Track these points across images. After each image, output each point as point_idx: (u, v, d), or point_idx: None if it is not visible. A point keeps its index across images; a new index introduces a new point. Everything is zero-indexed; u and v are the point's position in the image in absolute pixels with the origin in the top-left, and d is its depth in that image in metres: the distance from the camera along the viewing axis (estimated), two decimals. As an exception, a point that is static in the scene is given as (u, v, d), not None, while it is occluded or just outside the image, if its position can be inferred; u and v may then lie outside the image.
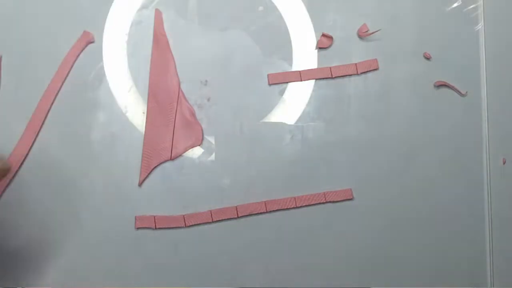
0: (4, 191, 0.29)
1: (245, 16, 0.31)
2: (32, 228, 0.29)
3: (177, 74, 0.31)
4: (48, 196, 0.30)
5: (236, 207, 0.30)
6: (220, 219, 0.30)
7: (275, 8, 0.31)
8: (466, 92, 0.32)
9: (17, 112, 0.30)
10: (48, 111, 0.30)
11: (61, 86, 0.30)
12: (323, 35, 0.31)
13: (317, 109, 0.31)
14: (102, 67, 0.31)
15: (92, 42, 0.30)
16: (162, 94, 0.30)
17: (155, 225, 0.30)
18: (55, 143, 0.30)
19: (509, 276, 0.31)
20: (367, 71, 0.31)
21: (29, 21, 0.31)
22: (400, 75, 0.31)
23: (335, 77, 0.31)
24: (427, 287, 0.30)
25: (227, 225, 0.30)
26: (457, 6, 0.32)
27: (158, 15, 0.31)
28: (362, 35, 0.31)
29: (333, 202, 0.30)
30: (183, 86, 0.31)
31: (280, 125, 0.31)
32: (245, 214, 0.30)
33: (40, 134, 0.30)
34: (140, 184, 0.30)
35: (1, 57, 0.30)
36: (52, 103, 0.30)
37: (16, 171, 0.29)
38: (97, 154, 0.30)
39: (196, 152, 0.30)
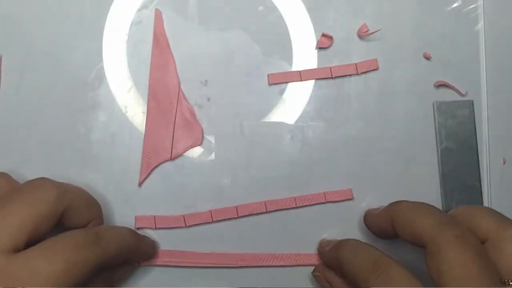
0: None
1: (245, 16, 0.31)
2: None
3: (177, 74, 0.31)
4: (48, 196, 0.30)
5: (236, 207, 0.30)
6: (220, 219, 0.30)
7: (275, 8, 0.31)
8: (466, 92, 0.32)
9: (17, 113, 0.30)
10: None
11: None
12: (323, 35, 0.31)
13: (317, 109, 0.31)
14: (102, 67, 0.31)
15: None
16: (162, 94, 0.30)
17: (155, 225, 0.30)
18: (55, 143, 0.30)
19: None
20: (367, 71, 0.31)
21: (29, 21, 0.31)
22: (400, 75, 0.31)
23: (335, 77, 0.31)
24: (428, 287, 0.30)
25: (227, 225, 0.30)
26: (457, 6, 0.32)
27: (158, 15, 0.31)
28: (362, 35, 0.31)
29: (333, 202, 0.30)
30: (183, 86, 0.31)
31: (280, 125, 0.31)
32: (245, 214, 0.30)
33: (40, 134, 0.30)
34: (140, 184, 0.30)
35: (1, 57, 0.30)
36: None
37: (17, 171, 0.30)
38: (97, 154, 0.30)
39: (196, 152, 0.30)
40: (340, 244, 0.27)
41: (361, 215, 0.30)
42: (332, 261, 0.27)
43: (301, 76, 0.31)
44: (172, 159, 0.30)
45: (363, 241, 0.28)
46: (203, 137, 0.30)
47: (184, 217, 0.30)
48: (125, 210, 0.30)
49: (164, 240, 0.30)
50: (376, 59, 0.31)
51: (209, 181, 0.30)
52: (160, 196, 0.30)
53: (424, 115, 0.31)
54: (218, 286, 0.30)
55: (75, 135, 0.30)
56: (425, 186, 0.31)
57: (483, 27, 0.32)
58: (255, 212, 0.30)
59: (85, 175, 0.30)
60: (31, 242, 0.21)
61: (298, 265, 0.30)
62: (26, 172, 0.30)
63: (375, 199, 0.31)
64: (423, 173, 0.31)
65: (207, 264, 0.29)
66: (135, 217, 0.30)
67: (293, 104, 0.31)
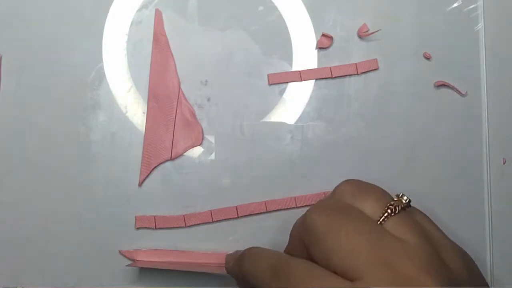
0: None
1: (245, 16, 0.31)
2: (32, 228, 0.29)
3: (177, 74, 0.31)
4: (48, 196, 0.30)
5: (236, 207, 0.30)
6: (220, 219, 0.30)
7: (275, 8, 0.31)
8: (466, 92, 0.32)
9: (17, 113, 0.30)
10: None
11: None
12: (323, 35, 0.31)
13: (317, 109, 0.31)
14: (102, 67, 0.31)
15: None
16: (162, 94, 0.30)
17: (155, 225, 0.30)
18: (55, 143, 0.30)
19: (509, 276, 0.31)
20: (367, 71, 0.31)
21: (29, 21, 0.31)
22: (400, 75, 0.31)
23: (335, 77, 0.31)
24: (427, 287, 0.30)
25: (227, 225, 0.30)
26: (457, 6, 0.32)
27: (158, 15, 0.31)
28: (362, 35, 0.31)
29: (333, 202, 0.30)
30: (183, 86, 0.31)
31: (280, 125, 0.31)
32: (245, 214, 0.30)
33: (40, 134, 0.30)
34: (140, 184, 0.30)
35: (1, 57, 0.30)
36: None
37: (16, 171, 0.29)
38: (97, 154, 0.30)
39: (196, 152, 0.30)
40: (241, 257, 0.25)
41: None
42: (238, 277, 0.25)
43: (301, 76, 0.31)
44: (172, 159, 0.30)
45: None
46: (203, 137, 0.30)
47: (184, 217, 0.30)
48: (125, 210, 0.30)
49: (164, 240, 0.30)
50: (376, 59, 0.31)
51: (209, 181, 0.30)
52: (160, 196, 0.30)
53: (424, 115, 0.31)
54: (218, 286, 0.30)
55: (75, 135, 0.30)
56: (425, 186, 0.31)
57: (483, 27, 0.32)
58: (255, 212, 0.30)
59: (85, 175, 0.30)
60: None
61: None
62: (26, 172, 0.30)
63: (375, 199, 0.31)
64: (423, 173, 0.31)
65: (207, 264, 0.29)
66: (135, 217, 0.30)
67: (293, 104, 0.31)
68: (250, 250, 0.25)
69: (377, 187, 0.24)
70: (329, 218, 0.21)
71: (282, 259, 0.22)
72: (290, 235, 0.24)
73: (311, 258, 0.21)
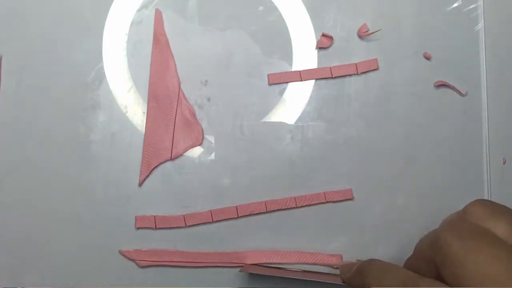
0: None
1: (245, 16, 0.31)
2: (32, 228, 0.29)
3: (177, 74, 0.31)
4: (48, 196, 0.30)
5: (236, 207, 0.30)
6: (220, 219, 0.30)
7: (275, 8, 0.31)
8: (466, 92, 0.32)
9: (17, 113, 0.30)
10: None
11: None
12: (323, 35, 0.31)
13: (317, 109, 0.31)
14: (102, 67, 0.31)
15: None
16: (162, 94, 0.30)
17: (155, 225, 0.30)
18: (55, 143, 0.30)
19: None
20: (367, 71, 0.31)
21: (29, 21, 0.31)
22: (400, 75, 0.31)
23: (335, 77, 0.31)
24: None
25: (227, 225, 0.30)
26: (457, 6, 0.32)
27: (158, 15, 0.31)
28: (362, 35, 0.31)
29: (333, 202, 0.30)
30: (183, 86, 0.31)
31: (280, 125, 0.31)
32: (245, 214, 0.30)
33: (40, 134, 0.30)
34: (140, 184, 0.30)
35: (1, 57, 0.30)
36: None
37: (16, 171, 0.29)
38: (97, 154, 0.30)
39: (196, 152, 0.30)
40: (363, 269, 0.25)
41: (361, 215, 0.30)
42: None
43: (301, 76, 0.31)
44: (172, 159, 0.30)
45: (362, 242, 0.27)
46: (203, 137, 0.30)
47: (184, 217, 0.30)
48: (125, 210, 0.30)
49: (164, 240, 0.30)
50: (376, 59, 0.31)
51: (209, 181, 0.30)
52: (160, 196, 0.30)
53: (424, 115, 0.31)
54: (218, 286, 0.30)
55: (75, 135, 0.30)
56: (425, 186, 0.31)
57: (483, 27, 0.32)
58: (255, 212, 0.30)
59: (85, 175, 0.30)
60: None
61: (299, 263, 0.30)
62: (26, 172, 0.30)
63: (375, 199, 0.31)
64: (423, 173, 0.31)
65: (207, 264, 0.29)
66: (135, 217, 0.30)
67: (293, 104, 0.31)
68: (372, 263, 0.25)
69: (509, 209, 0.23)
70: (466, 243, 0.21)
71: (412, 278, 0.22)
72: (416, 249, 0.24)
73: (439, 276, 0.21)
